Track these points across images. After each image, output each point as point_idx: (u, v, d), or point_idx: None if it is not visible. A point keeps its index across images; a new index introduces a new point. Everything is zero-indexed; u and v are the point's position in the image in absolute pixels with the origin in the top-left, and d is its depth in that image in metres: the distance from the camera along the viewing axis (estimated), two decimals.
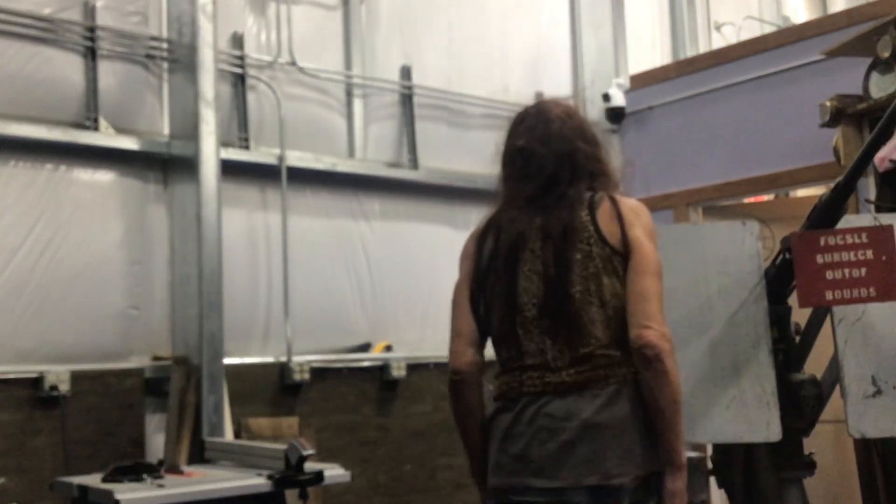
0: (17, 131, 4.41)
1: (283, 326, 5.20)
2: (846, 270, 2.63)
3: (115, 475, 3.78)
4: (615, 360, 2.30)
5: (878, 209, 4.21)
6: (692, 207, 6.30)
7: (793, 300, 2.79)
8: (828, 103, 4.83)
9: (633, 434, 2.26)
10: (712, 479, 3.05)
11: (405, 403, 5.62)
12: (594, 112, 6.82)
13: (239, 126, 5.23)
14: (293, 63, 5.47)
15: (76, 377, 4.43)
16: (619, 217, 2.40)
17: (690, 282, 2.79)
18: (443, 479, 5.69)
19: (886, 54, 4.60)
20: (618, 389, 2.28)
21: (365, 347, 5.60)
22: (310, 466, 3.87)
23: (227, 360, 4.78)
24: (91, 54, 4.74)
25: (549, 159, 2.47)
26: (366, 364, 5.50)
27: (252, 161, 5.19)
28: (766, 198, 6.67)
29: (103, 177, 4.77)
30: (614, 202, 2.43)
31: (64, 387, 4.36)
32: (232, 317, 4.91)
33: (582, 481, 2.24)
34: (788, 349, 2.84)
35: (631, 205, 2.47)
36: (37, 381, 4.34)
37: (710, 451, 3.10)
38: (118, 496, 3.45)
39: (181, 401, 4.57)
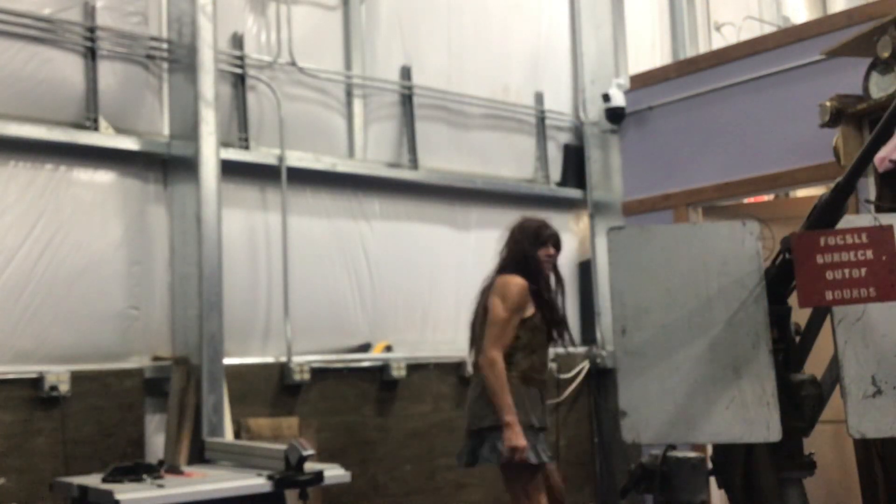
0: (17, 131, 4.42)
1: (283, 326, 5.20)
2: (846, 270, 2.63)
3: (115, 475, 3.78)
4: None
5: (878, 209, 4.22)
6: (692, 207, 6.31)
7: (793, 300, 2.79)
8: (828, 103, 4.84)
9: (480, 403, 4.33)
10: (712, 479, 3.05)
11: (405, 404, 5.62)
12: (594, 112, 6.84)
13: (239, 126, 5.23)
14: (293, 63, 5.48)
15: (76, 377, 4.43)
16: (492, 287, 4.46)
17: (690, 282, 2.78)
18: (443, 479, 5.69)
19: (886, 54, 4.60)
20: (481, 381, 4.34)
21: (365, 347, 5.60)
22: (310, 467, 3.87)
23: (227, 361, 4.78)
24: (91, 54, 4.74)
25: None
26: (366, 364, 5.50)
27: (252, 161, 5.19)
28: (766, 198, 6.67)
29: (103, 177, 4.77)
30: (494, 280, 4.48)
31: (64, 387, 4.36)
32: (232, 317, 4.91)
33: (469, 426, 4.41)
34: (788, 349, 2.84)
35: (499, 280, 4.43)
36: (37, 381, 4.34)
37: (710, 451, 3.10)
38: (118, 496, 3.45)
39: (181, 401, 4.58)
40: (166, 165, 4.94)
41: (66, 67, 4.68)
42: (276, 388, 5.11)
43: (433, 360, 5.74)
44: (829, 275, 2.63)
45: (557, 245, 4.61)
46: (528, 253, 4.47)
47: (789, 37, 5.93)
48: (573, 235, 6.85)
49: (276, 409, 5.09)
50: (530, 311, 4.39)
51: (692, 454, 3.02)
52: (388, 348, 5.66)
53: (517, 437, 4.16)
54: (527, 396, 4.32)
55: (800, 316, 2.89)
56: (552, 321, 4.48)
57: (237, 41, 5.29)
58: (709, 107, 6.22)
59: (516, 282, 4.38)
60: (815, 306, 2.78)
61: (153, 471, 3.90)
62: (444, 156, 6.19)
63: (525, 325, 4.38)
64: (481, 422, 4.29)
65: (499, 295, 4.36)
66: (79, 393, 4.44)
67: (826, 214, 2.68)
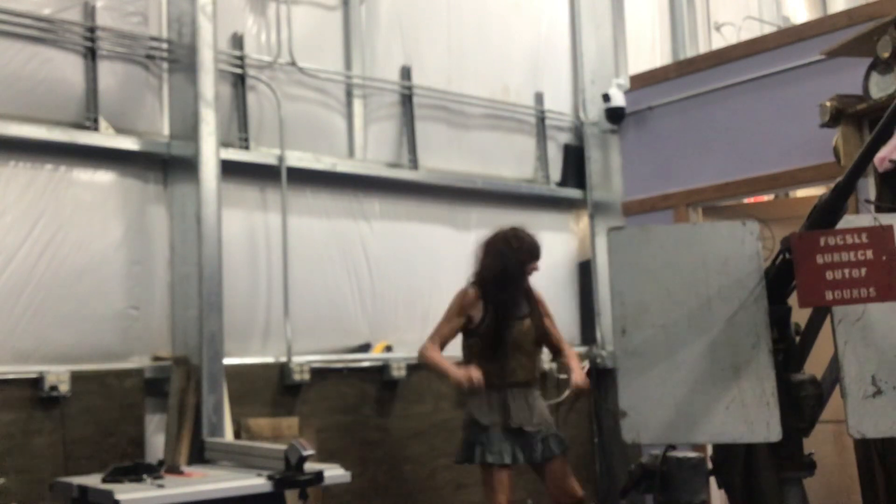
0: (17, 131, 4.41)
1: (283, 326, 5.20)
2: (846, 270, 2.63)
3: (115, 475, 3.78)
4: None
5: (878, 209, 4.22)
6: (692, 207, 6.31)
7: (793, 300, 2.79)
8: (828, 103, 4.84)
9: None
10: (712, 479, 3.05)
11: (405, 403, 5.62)
12: (594, 112, 6.83)
13: (239, 126, 5.23)
14: (293, 63, 5.47)
15: (76, 377, 4.42)
16: None
17: (690, 282, 2.78)
18: (443, 479, 5.69)
19: (886, 54, 4.60)
20: None
21: (365, 347, 5.60)
22: (310, 467, 3.87)
23: (227, 360, 4.78)
24: (91, 54, 4.74)
25: None
26: (366, 364, 5.50)
27: (252, 161, 5.19)
28: (766, 198, 6.68)
29: (103, 177, 4.77)
30: None
31: (64, 387, 4.36)
32: (232, 317, 4.91)
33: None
34: (788, 349, 2.84)
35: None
36: (37, 381, 4.34)
37: (710, 451, 3.10)
38: (118, 496, 3.45)
39: (181, 401, 4.58)
40: (166, 165, 4.94)
41: (66, 67, 4.68)
42: (276, 388, 5.11)
43: None
44: (829, 275, 2.63)
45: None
46: (514, 266, 4.66)
47: (789, 37, 5.92)
48: (573, 235, 6.86)
49: (276, 409, 5.09)
50: (478, 317, 4.67)
51: (692, 454, 3.02)
52: (388, 348, 5.66)
53: (457, 375, 4.53)
54: (485, 401, 4.60)
55: (800, 316, 2.89)
56: (503, 332, 4.63)
57: (237, 41, 5.29)
58: (709, 107, 6.22)
59: (460, 291, 4.75)
60: (815, 306, 2.78)
61: (153, 471, 3.90)
62: (444, 156, 6.19)
63: (474, 333, 4.68)
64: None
65: (449, 304, 4.80)
66: (79, 393, 4.44)
67: (826, 214, 2.68)
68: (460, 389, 4.59)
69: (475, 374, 4.48)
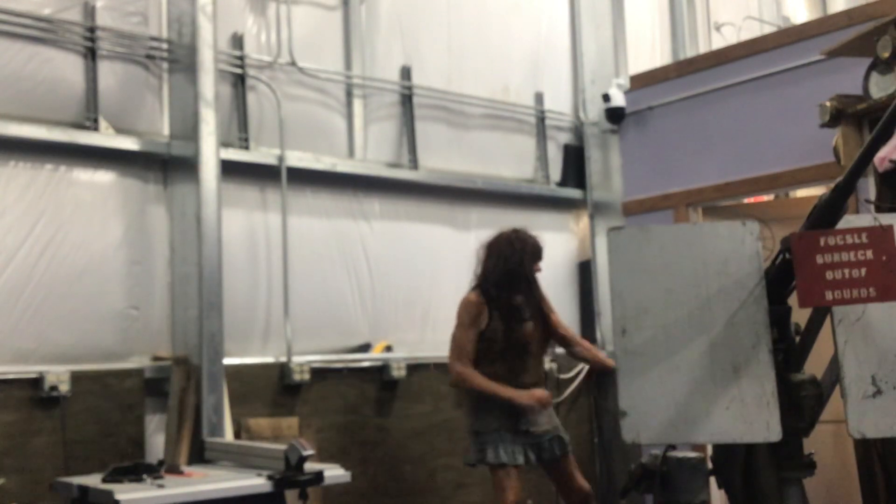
0: (17, 131, 4.41)
1: (283, 326, 5.20)
2: (846, 270, 2.63)
3: (115, 475, 3.79)
4: None
5: (878, 209, 4.22)
6: (692, 207, 6.31)
7: (793, 300, 2.79)
8: (828, 103, 4.83)
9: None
10: (712, 479, 3.05)
11: (405, 404, 5.62)
12: (594, 112, 6.83)
13: (239, 126, 5.23)
14: (293, 63, 5.47)
15: (76, 377, 4.42)
16: None
17: (690, 282, 2.79)
18: (443, 479, 5.69)
19: (886, 54, 4.60)
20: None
21: (365, 348, 5.60)
22: (310, 467, 3.88)
23: (227, 361, 4.78)
24: (91, 54, 4.74)
25: None
26: (366, 364, 5.50)
27: (252, 161, 5.19)
28: (766, 198, 6.67)
29: (103, 177, 4.77)
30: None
31: (64, 387, 4.36)
32: (232, 317, 4.91)
33: None
34: (788, 349, 2.84)
35: (462, 298, 4.64)
36: (37, 381, 4.34)
37: (710, 451, 3.10)
38: (118, 496, 3.46)
39: (181, 401, 4.58)
40: (166, 165, 4.94)
41: (66, 67, 4.68)
42: (276, 388, 5.11)
43: (433, 360, 5.73)
44: (829, 275, 2.63)
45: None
46: (518, 267, 4.58)
47: (789, 37, 5.92)
48: (573, 235, 6.86)
49: (276, 409, 5.09)
50: (484, 322, 4.59)
51: (692, 454, 3.02)
52: (388, 348, 5.66)
53: (523, 399, 4.45)
54: (493, 402, 4.52)
55: (800, 316, 2.89)
56: (508, 334, 4.58)
57: (237, 41, 5.29)
58: (708, 107, 6.22)
59: (466, 300, 4.62)
60: (815, 306, 2.78)
61: (153, 471, 3.90)
62: (444, 156, 6.19)
63: (482, 335, 4.59)
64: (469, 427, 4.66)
65: (457, 313, 4.63)
66: (79, 393, 4.44)
67: (826, 214, 2.68)
68: (530, 410, 4.48)
69: (543, 395, 4.48)
